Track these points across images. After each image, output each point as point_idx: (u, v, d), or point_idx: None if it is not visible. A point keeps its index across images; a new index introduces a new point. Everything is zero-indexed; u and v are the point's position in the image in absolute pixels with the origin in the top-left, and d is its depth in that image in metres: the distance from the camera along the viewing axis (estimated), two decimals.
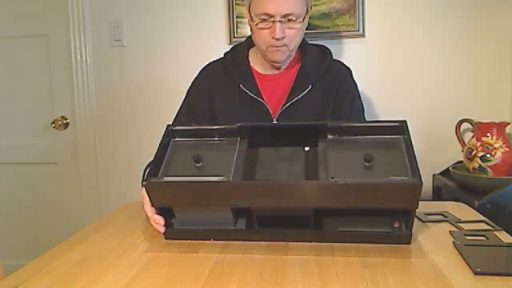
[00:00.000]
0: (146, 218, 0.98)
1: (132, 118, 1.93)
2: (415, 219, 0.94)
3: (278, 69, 1.23)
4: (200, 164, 0.87)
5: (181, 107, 1.29)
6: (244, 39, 1.30)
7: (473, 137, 1.54)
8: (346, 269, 0.72)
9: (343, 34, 1.72)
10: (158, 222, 0.88)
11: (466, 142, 1.58)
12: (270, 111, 1.19)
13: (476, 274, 0.68)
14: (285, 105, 1.18)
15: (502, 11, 1.65)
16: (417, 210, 0.97)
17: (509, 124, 1.50)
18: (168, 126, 0.96)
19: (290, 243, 0.84)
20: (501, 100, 1.68)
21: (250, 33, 1.22)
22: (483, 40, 1.67)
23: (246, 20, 1.74)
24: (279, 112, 1.18)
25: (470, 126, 1.65)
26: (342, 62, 1.29)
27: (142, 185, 1.03)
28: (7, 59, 2.01)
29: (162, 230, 0.88)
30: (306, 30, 1.19)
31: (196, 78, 1.30)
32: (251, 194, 0.81)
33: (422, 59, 1.71)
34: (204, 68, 1.31)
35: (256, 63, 1.25)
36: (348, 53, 1.74)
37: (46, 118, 2.00)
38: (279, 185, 0.80)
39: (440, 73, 1.71)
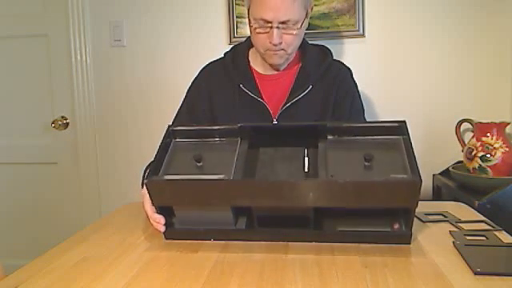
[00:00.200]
0: (147, 218, 0.98)
1: (132, 118, 1.93)
2: (415, 219, 0.94)
3: (278, 69, 1.23)
4: (201, 163, 0.87)
5: (181, 107, 1.29)
6: (244, 39, 1.30)
7: (473, 137, 1.54)
8: (346, 269, 0.72)
9: (343, 33, 1.72)
10: (159, 221, 0.88)
11: (466, 142, 1.58)
12: (270, 111, 1.19)
13: (476, 274, 0.68)
14: (285, 105, 1.18)
15: (501, 11, 1.65)
16: (417, 210, 0.98)
17: (509, 124, 1.50)
18: (169, 126, 0.96)
19: (290, 243, 0.84)
20: (501, 100, 1.68)
21: (249, 32, 1.22)
22: (483, 40, 1.67)
23: (245, 20, 1.75)
24: (279, 112, 1.18)
25: (470, 125, 1.65)
26: (342, 62, 1.29)
27: (142, 185, 1.03)
28: (7, 59, 2.01)
29: (162, 229, 0.88)
30: (306, 30, 1.19)
31: (196, 77, 1.30)
32: (251, 193, 0.81)
33: (422, 59, 1.71)
34: (204, 68, 1.31)
35: (256, 63, 1.25)
36: (348, 53, 1.74)
37: (46, 117, 2.00)
38: (279, 183, 0.80)
39: (440, 73, 1.71)
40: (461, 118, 1.64)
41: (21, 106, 2.03)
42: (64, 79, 1.96)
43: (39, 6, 1.95)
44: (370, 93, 1.72)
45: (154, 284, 0.69)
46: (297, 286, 0.67)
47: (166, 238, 0.89)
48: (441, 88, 1.71)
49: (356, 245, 0.82)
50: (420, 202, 1.03)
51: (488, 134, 1.48)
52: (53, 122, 1.95)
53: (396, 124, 0.86)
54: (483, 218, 0.96)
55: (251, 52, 1.27)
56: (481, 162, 1.47)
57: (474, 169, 1.50)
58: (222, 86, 1.24)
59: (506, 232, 0.87)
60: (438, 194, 1.69)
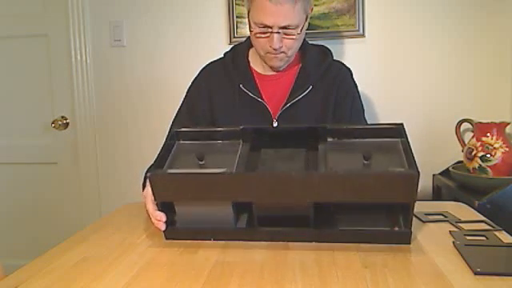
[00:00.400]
0: (148, 218, 0.99)
1: (132, 118, 1.93)
2: (415, 219, 0.95)
3: (278, 70, 1.23)
4: (203, 162, 0.88)
5: (181, 107, 1.29)
6: (244, 39, 1.30)
7: (473, 137, 1.54)
8: (346, 269, 0.72)
9: (343, 34, 1.72)
10: (160, 218, 0.88)
11: (466, 142, 1.58)
12: (270, 111, 1.19)
13: (476, 274, 0.68)
14: (285, 105, 1.18)
15: (501, 11, 1.65)
16: (417, 210, 0.98)
17: (509, 124, 1.50)
18: (170, 128, 0.98)
19: (290, 243, 0.84)
20: (501, 100, 1.68)
21: (250, 35, 1.22)
22: (483, 40, 1.67)
23: (245, 20, 1.74)
24: (279, 112, 1.18)
25: (470, 125, 1.65)
26: (342, 63, 1.29)
27: (143, 188, 1.04)
28: (7, 59, 2.01)
29: (163, 227, 0.88)
30: (306, 30, 1.19)
31: (196, 78, 1.30)
32: (252, 186, 0.81)
33: (422, 59, 1.71)
34: (204, 68, 1.31)
35: (256, 63, 1.25)
36: (348, 53, 1.74)
37: (46, 118, 2.00)
38: (280, 175, 0.81)
39: (440, 73, 1.71)
40: (461, 118, 1.64)
41: (21, 106, 2.03)
42: (64, 79, 1.96)
43: (39, 6, 1.95)
44: (370, 93, 1.72)
45: (153, 284, 0.69)
46: (297, 285, 0.67)
47: (167, 238, 0.89)
48: (441, 88, 1.71)
49: (356, 245, 0.82)
50: (420, 202, 1.03)
51: (488, 134, 1.48)
52: (53, 122, 1.96)
53: (394, 127, 0.88)
54: (483, 218, 0.96)
55: (251, 52, 1.27)
56: (481, 162, 1.47)
57: (473, 169, 1.50)
58: (221, 86, 1.24)
59: (506, 232, 0.87)
60: (438, 194, 1.69)
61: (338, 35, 1.73)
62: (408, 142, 0.83)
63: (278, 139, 0.93)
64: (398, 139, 0.87)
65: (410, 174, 0.76)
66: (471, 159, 1.50)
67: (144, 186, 1.05)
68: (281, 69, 1.22)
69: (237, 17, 1.77)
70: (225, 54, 1.30)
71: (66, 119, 1.98)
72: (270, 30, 1.10)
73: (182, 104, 1.29)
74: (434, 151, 1.73)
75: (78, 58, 1.92)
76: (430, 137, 1.73)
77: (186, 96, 1.30)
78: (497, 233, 0.86)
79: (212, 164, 0.88)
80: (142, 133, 1.92)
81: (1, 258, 1.04)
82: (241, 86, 1.21)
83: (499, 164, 1.45)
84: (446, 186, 1.60)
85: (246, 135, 0.93)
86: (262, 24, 1.10)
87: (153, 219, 0.90)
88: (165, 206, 0.88)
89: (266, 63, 1.21)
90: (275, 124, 1.19)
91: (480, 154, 1.48)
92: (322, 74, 1.22)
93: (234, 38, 1.78)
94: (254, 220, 0.86)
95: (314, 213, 0.83)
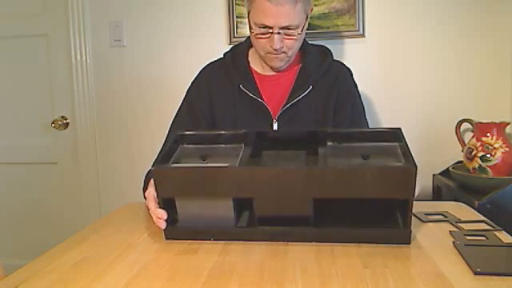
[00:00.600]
0: (147, 218, 0.99)
1: (132, 118, 1.93)
2: (416, 219, 0.95)
3: (278, 70, 1.23)
4: (206, 161, 0.91)
5: (180, 107, 1.29)
6: (244, 39, 1.30)
7: (473, 137, 1.54)
8: (346, 269, 0.72)
9: (343, 34, 1.72)
10: (161, 216, 0.88)
11: (466, 142, 1.58)
12: (271, 112, 1.19)
13: (476, 274, 0.68)
14: (285, 105, 1.18)
15: (501, 11, 1.65)
16: (417, 210, 0.98)
17: (509, 124, 1.50)
18: (170, 128, 0.98)
19: (289, 243, 0.84)
20: (501, 100, 1.68)
21: (250, 35, 1.22)
22: (483, 40, 1.67)
23: (245, 20, 1.74)
24: (279, 112, 1.18)
25: (470, 125, 1.65)
26: (342, 63, 1.29)
27: (144, 191, 1.05)
28: (7, 59, 2.01)
29: (164, 225, 0.88)
30: (306, 30, 1.19)
31: (196, 78, 1.30)
32: (254, 181, 0.82)
33: (422, 59, 1.71)
34: (204, 68, 1.31)
35: (256, 63, 1.25)
36: (348, 53, 1.74)
37: (46, 118, 2.00)
38: (280, 170, 0.82)
39: (440, 73, 1.71)
40: (461, 118, 1.64)
41: (21, 106, 2.03)
42: (64, 79, 1.96)
43: (39, 6, 1.95)
44: (370, 93, 1.72)
45: (154, 284, 0.69)
46: (297, 285, 0.67)
47: (167, 238, 0.89)
48: (441, 88, 1.71)
49: (356, 245, 0.82)
50: (420, 202, 1.04)
51: (488, 134, 1.48)
52: (53, 122, 1.96)
53: (393, 131, 0.91)
54: (483, 218, 0.96)
55: (251, 52, 1.27)
56: (481, 162, 1.47)
57: (474, 169, 1.50)
58: (221, 87, 1.24)
59: (506, 232, 0.87)
60: (438, 194, 1.69)
61: (338, 35, 1.73)
62: (407, 146, 0.84)
63: (279, 143, 0.95)
64: (397, 143, 0.89)
65: (407, 167, 0.77)
66: (471, 159, 1.50)
67: (144, 190, 1.06)
68: (281, 69, 1.22)
69: (237, 17, 1.77)
70: (224, 55, 1.30)
71: (65, 119, 1.98)
72: (270, 30, 1.10)
73: (181, 104, 1.29)
74: (434, 151, 1.73)
75: (78, 58, 1.92)
76: (430, 137, 1.73)
77: (185, 96, 1.30)
78: (497, 233, 0.86)
79: (215, 162, 0.91)
80: (142, 133, 1.92)
81: (1, 258, 1.04)
82: (241, 86, 1.21)
83: (499, 164, 1.45)
84: (446, 185, 1.60)
85: (248, 139, 0.95)
86: (262, 25, 1.10)
87: (154, 218, 0.90)
88: (166, 204, 0.88)
89: (266, 64, 1.21)
90: (275, 124, 1.19)
91: (480, 154, 1.48)
92: (322, 74, 1.22)
93: (234, 37, 1.77)
94: (255, 220, 0.86)
95: (314, 212, 0.83)
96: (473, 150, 1.50)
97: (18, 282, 0.71)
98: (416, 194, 0.86)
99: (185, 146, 0.98)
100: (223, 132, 0.99)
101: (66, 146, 2.00)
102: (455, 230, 0.89)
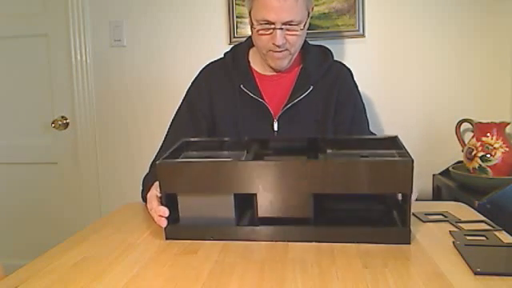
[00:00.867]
0: (147, 218, 0.99)
1: (132, 118, 1.93)
2: (416, 219, 0.95)
3: (280, 70, 1.23)
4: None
5: (180, 106, 1.29)
6: (244, 39, 1.30)
7: (473, 137, 1.54)
8: (346, 269, 0.72)
9: (343, 34, 1.72)
10: (162, 213, 0.88)
11: (466, 142, 1.58)
12: (271, 112, 1.19)
13: (476, 274, 0.68)
14: (286, 105, 1.18)
15: (501, 11, 1.65)
16: (417, 210, 0.98)
17: (509, 124, 1.50)
18: (169, 128, 0.99)
19: (289, 243, 0.84)
20: (501, 100, 1.68)
21: (250, 33, 1.22)
22: (483, 40, 1.67)
23: (245, 20, 1.75)
24: (280, 113, 1.18)
25: (470, 125, 1.65)
26: (342, 63, 1.29)
27: (143, 196, 1.05)
28: (7, 59, 2.01)
29: (164, 223, 0.88)
30: (307, 30, 1.19)
31: (196, 78, 1.30)
32: (255, 175, 0.83)
33: (422, 59, 1.71)
34: (204, 68, 1.31)
35: (256, 63, 1.25)
36: (348, 53, 1.74)
37: (46, 118, 2.00)
38: (281, 164, 0.83)
39: (440, 73, 1.71)
40: (461, 118, 1.64)
41: (21, 106, 2.03)
42: (64, 79, 1.96)
43: (39, 6, 1.95)
44: (370, 93, 1.72)
45: (154, 284, 0.69)
46: (297, 286, 0.67)
47: (167, 238, 0.89)
48: (441, 88, 1.71)
49: (356, 245, 0.82)
50: (420, 202, 1.04)
51: (488, 134, 1.48)
52: (53, 122, 1.96)
53: (391, 138, 0.95)
54: (483, 218, 0.96)
55: (252, 52, 1.27)
56: (481, 162, 1.47)
57: (474, 169, 1.50)
58: (222, 87, 1.24)
59: (506, 232, 0.87)
60: (438, 194, 1.69)
61: (338, 35, 1.73)
62: (406, 151, 0.85)
63: (280, 149, 1.01)
64: (395, 150, 0.91)
65: (404, 160, 0.79)
66: (471, 159, 1.50)
67: (143, 195, 1.06)
68: (283, 69, 1.22)
69: (237, 17, 1.77)
70: (225, 54, 1.30)
71: (65, 119, 1.98)
72: (272, 26, 1.10)
73: (181, 104, 1.29)
74: (434, 151, 1.72)
75: (78, 58, 1.92)
76: (430, 137, 1.73)
77: (185, 96, 1.29)
78: (497, 233, 0.86)
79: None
80: (142, 133, 1.92)
81: (1, 258, 1.04)
82: (241, 86, 1.20)
83: (499, 164, 1.45)
84: (445, 185, 1.60)
85: (250, 146, 0.99)
86: (264, 21, 1.10)
87: (155, 216, 0.90)
88: (168, 201, 0.89)
89: (268, 64, 1.20)
90: (275, 124, 1.19)
91: (480, 154, 1.48)
92: (322, 74, 1.22)
93: (234, 37, 1.77)
94: (255, 220, 0.86)
95: (314, 212, 0.84)
96: (473, 149, 1.50)
97: (18, 282, 0.71)
98: (415, 196, 0.87)
99: (188, 152, 1.01)
100: (226, 139, 1.03)
101: (66, 146, 2.00)
102: (455, 229, 0.89)
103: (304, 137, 1.05)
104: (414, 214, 0.96)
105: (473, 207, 1.09)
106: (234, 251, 0.81)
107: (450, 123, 1.67)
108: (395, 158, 0.84)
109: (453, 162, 1.68)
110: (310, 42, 1.28)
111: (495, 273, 0.68)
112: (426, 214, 0.98)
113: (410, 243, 0.82)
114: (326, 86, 1.22)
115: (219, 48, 1.63)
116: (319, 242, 0.83)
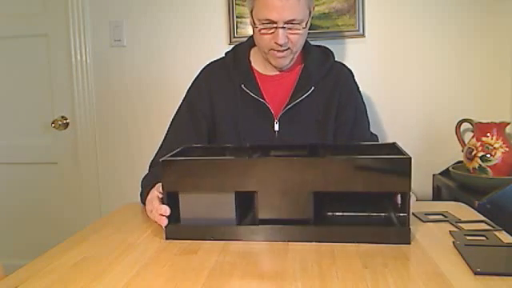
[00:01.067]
0: (148, 218, 0.99)
1: (132, 118, 1.93)
2: (416, 219, 0.95)
3: (281, 69, 1.23)
4: None
5: (181, 106, 1.28)
6: (244, 39, 1.30)
7: (473, 137, 1.54)
8: (346, 269, 0.72)
9: (343, 34, 1.72)
10: (164, 211, 0.88)
11: (466, 142, 1.58)
12: (272, 112, 1.19)
13: (476, 274, 0.68)
14: (287, 106, 1.18)
15: (501, 11, 1.65)
16: (417, 210, 0.98)
17: (509, 124, 1.50)
18: (169, 128, 1.01)
19: (289, 243, 0.84)
20: (501, 100, 1.68)
21: (250, 33, 1.22)
22: (483, 40, 1.67)
23: (245, 20, 1.75)
24: (281, 113, 1.18)
25: (470, 125, 1.65)
26: (343, 64, 1.29)
27: (142, 199, 1.06)
28: (7, 59, 2.01)
29: (165, 222, 0.88)
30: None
31: (196, 78, 1.30)
32: (256, 173, 0.84)
33: (422, 59, 1.71)
34: (204, 68, 1.31)
35: (257, 63, 1.25)
36: (348, 53, 1.74)
37: (46, 118, 2.00)
38: (282, 161, 0.84)
39: (440, 73, 1.71)
40: (461, 118, 1.64)
41: (21, 106, 2.03)
42: (64, 79, 1.96)
43: (39, 6, 1.95)
44: (370, 93, 1.72)
45: (153, 284, 0.69)
46: (297, 286, 0.67)
47: (167, 237, 0.89)
48: (441, 88, 1.71)
49: (356, 245, 0.82)
50: (420, 202, 1.04)
51: (488, 134, 1.48)
52: (53, 122, 1.95)
53: (390, 145, 0.96)
54: (483, 218, 0.96)
55: (253, 52, 1.27)
56: (481, 162, 1.47)
57: (473, 169, 1.50)
58: (222, 86, 1.24)
59: (506, 232, 0.87)
60: (438, 194, 1.69)
61: (338, 35, 1.73)
62: (406, 153, 0.85)
63: (281, 153, 1.02)
64: (395, 156, 0.92)
65: (402, 157, 0.81)
66: (471, 159, 1.50)
67: (143, 198, 1.06)
68: (285, 68, 1.22)
69: (237, 17, 1.77)
70: (226, 54, 1.29)
71: (65, 119, 1.98)
72: (274, 25, 1.10)
73: (181, 104, 1.29)
74: (434, 151, 1.72)
75: (78, 58, 1.92)
76: (430, 137, 1.73)
77: (186, 96, 1.29)
78: (497, 233, 0.86)
79: None
80: (142, 133, 1.92)
81: (1, 258, 1.04)
82: (242, 85, 1.20)
83: (499, 164, 1.45)
84: (446, 185, 1.60)
85: (252, 152, 1.00)
86: (266, 20, 1.10)
87: (156, 216, 0.90)
88: (170, 200, 0.89)
89: (269, 63, 1.20)
90: (276, 124, 1.19)
91: (480, 154, 1.48)
92: (323, 75, 1.22)
93: (234, 37, 1.77)
94: (256, 220, 0.86)
95: (314, 212, 0.84)
96: (473, 150, 1.50)
97: (18, 282, 0.71)
98: (413, 200, 0.88)
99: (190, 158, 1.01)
100: (228, 145, 1.06)
101: (66, 146, 2.00)
102: (455, 229, 0.89)
103: (305, 143, 1.07)
104: (413, 214, 0.97)
105: (473, 207, 1.09)
106: (234, 251, 0.81)
107: (450, 123, 1.67)
108: (394, 156, 0.85)
109: (453, 162, 1.68)
110: (310, 42, 1.28)
111: (495, 273, 0.68)
112: (425, 214, 0.98)
113: (409, 243, 0.82)
114: (328, 86, 1.21)
115: (219, 48, 1.63)
116: (319, 242, 0.84)
